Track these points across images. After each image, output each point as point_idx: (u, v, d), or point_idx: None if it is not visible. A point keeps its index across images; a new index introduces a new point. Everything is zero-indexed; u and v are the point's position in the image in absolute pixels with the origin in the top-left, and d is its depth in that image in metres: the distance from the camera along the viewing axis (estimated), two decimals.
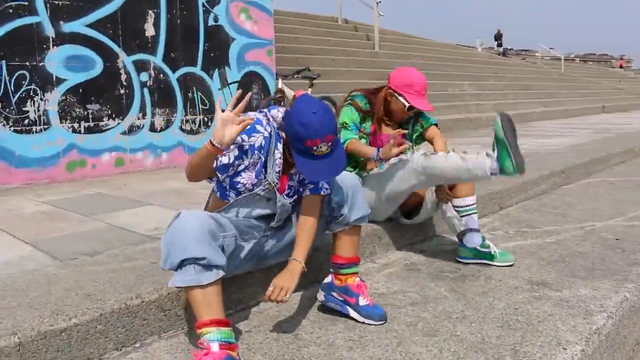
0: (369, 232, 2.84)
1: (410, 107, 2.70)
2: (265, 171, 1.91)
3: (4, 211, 3.40)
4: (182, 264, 1.63)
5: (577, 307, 2.21)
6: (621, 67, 38.15)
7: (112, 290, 1.86)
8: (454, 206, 2.73)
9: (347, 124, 2.72)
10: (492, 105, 11.38)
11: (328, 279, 2.16)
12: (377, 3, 11.25)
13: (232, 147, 1.83)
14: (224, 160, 1.83)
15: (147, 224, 2.90)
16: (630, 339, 2.37)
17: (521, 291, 2.38)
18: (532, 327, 2.02)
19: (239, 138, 1.81)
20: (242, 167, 1.88)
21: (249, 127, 1.83)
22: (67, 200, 3.72)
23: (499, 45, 27.87)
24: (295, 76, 6.50)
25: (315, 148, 1.77)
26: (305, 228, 1.97)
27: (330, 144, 1.79)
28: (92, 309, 1.72)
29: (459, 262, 2.75)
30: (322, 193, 2.00)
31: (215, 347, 1.59)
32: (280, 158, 1.91)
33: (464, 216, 2.72)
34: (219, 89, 5.65)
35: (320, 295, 2.16)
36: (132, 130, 5.00)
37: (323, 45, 10.28)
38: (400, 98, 2.70)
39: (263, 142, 1.88)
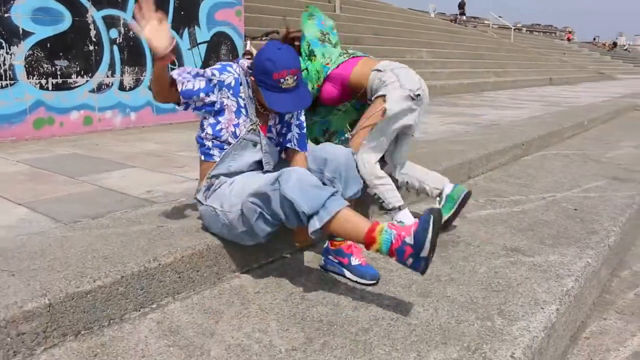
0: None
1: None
2: (246, 113, 2.07)
3: None
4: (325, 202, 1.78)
5: (549, 271, 2.44)
6: (569, 40, 39.43)
7: (127, 254, 1.92)
8: None
9: None
10: (447, 74, 11.65)
11: (325, 244, 2.29)
12: None
13: (199, 78, 1.99)
14: (189, 85, 1.97)
15: (139, 188, 2.92)
16: (589, 300, 2.64)
17: (498, 256, 2.59)
18: (512, 289, 2.24)
19: (208, 71, 2.01)
20: (217, 106, 2.03)
21: (219, 66, 2.04)
22: (43, 160, 3.66)
23: (462, 14, 28.24)
24: (264, 38, 6.45)
25: (282, 80, 1.93)
26: None
27: (295, 77, 1.96)
28: (113, 272, 1.78)
29: None
30: (304, 151, 2.21)
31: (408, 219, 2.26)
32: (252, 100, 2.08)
33: None
34: (188, 49, 5.57)
35: (320, 260, 2.30)
36: (101, 88, 4.89)
37: (285, 5, 10.18)
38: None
39: (233, 83, 2.04)
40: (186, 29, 5.51)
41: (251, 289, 2.12)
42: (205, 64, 5.76)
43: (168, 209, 2.47)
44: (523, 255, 2.62)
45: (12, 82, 4.31)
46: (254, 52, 6.10)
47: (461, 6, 28.12)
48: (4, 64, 4.25)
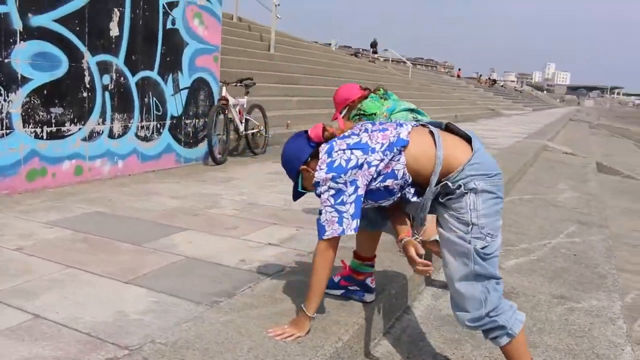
0: None
1: None
2: None
3: (20, 236, 3.10)
4: None
5: (601, 315, 2.85)
6: (458, 76, 42.81)
7: (312, 337, 1.98)
8: None
9: None
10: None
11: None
12: (276, 5, 11.47)
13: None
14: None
15: (224, 256, 2.88)
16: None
17: (556, 304, 2.96)
18: (589, 334, 2.60)
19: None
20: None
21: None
22: (74, 221, 3.46)
23: (374, 52, 29.67)
24: (238, 84, 6.54)
25: None
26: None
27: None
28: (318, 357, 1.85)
29: None
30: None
31: None
32: None
33: None
34: (172, 95, 5.51)
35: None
36: (92, 136, 4.70)
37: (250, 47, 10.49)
38: None
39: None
40: (170, 75, 5.46)
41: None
42: (185, 109, 5.72)
43: (291, 282, 2.51)
44: (572, 302, 3.02)
45: (7, 131, 4.03)
46: (229, 97, 6.17)
47: (373, 45, 29.67)
48: (1, 113, 3.97)
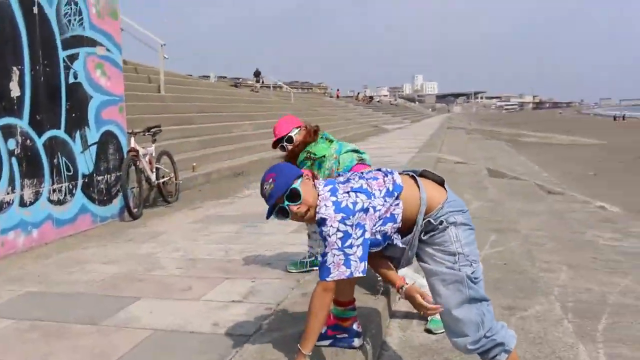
0: None
1: None
2: None
3: None
4: None
5: (549, 319, 3.14)
6: (337, 97, 44.23)
7: None
8: None
9: None
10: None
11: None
12: (162, 45, 11.22)
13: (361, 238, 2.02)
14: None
15: (194, 323, 2.78)
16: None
17: (508, 315, 3.20)
18: (545, 338, 2.87)
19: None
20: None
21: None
22: (8, 307, 3.15)
23: (258, 81, 29.66)
24: (146, 133, 6.32)
25: (264, 190, 2.16)
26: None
27: (270, 182, 2.11)
28: None
29: None
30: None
31: None
32: None
33: None
34: (81, 152, 5.21)
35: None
36: (1, 207, 4.31)
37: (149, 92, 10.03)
38: None
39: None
40: (78, 131, 5.16)
41: None
42: (96, 166, 5.42)
43: (275, 339, 2.48)
44: (521, 310, 3.29)
45: None
46: (139, 148, 5.94)
47: (257, 74, 29.72)
48: None
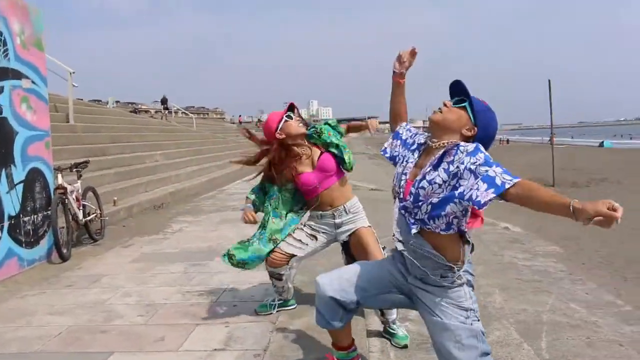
0: None
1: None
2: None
3: None
4: None
5: (510, 343, 3.39)
6: (240, 122, 43.90)
7: None
8: None
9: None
10: (188, 174, 12.12)
11: None
12: (71, 74, 10.60)
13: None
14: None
15: None
16: None
17: None
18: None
19: None
20: None
21: None
22: None
23: (165, 108, 28.68)
24: (74, 169, 5.96)
25: None
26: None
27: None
28: None
29: None
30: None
31: None
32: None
33: None
34: (7, 192, 4.81)
35: None
36: None
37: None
38: None
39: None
40: (4, 170, 4.76)
41: None
42: (22, 206, 5.02)
43: None
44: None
45: None
46: (67, 185, 5.61)
47: (164, 102, 28.69)
48: None
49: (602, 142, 49.88)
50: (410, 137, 2.28)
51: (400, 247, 2.17)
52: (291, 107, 3.48)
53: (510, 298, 4.78)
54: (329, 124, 3.45)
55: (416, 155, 2.16)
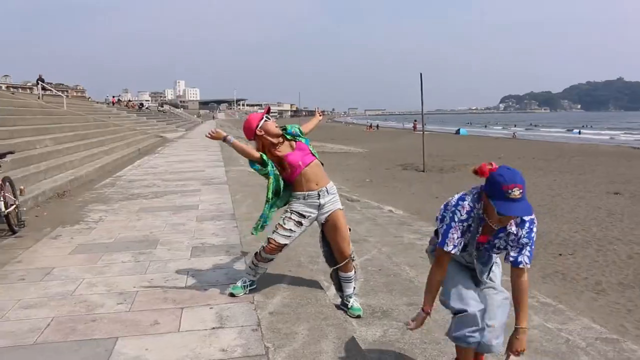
0: None
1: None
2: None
3: None
4: None
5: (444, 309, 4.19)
6: (113, 103, 41.28)
7: None
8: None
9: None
10: (80, 160, 11.68)
11: None
12: None
13: (457, 234, 2.69)
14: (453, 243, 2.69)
15: (202, 352, 3.07)
16: None
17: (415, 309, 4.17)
18: None
19: (458, 224, 2.67)
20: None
21: (464, 210, 2.67)
22: None
23: (44, 88, 26.07)
24: None
25: (509, 192, 2.41)
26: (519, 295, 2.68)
27: (521, 191, 2.44)
28: None
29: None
30: (520, 266, 2.66)
31: None
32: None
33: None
34: None
35: None
36: None
37: None
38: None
39: (466, 216, 2.66)
40: None
41: None
42: None
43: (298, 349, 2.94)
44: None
45: None
46: None
47: (41, 80, 26.06)
48: None
49: (458, 129, 54.82)
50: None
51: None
52: (268, 110, 4.00)
53: (420, 274, 5.62)
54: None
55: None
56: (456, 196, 2.71)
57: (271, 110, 4.04)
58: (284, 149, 3.93)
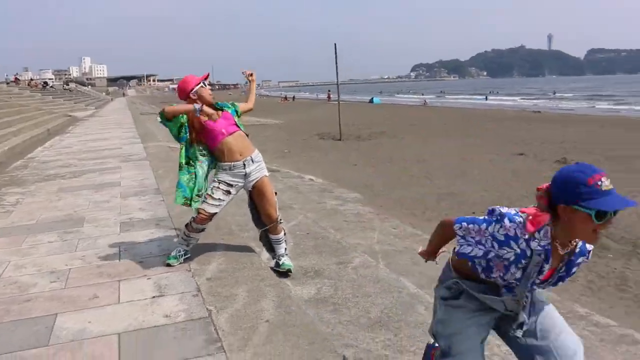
0: None
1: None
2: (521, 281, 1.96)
3: None
4: None
5: (370, 266, 4.51)
6: (16, 82, 38.25)
7: None
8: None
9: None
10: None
11: None
12: None
13: (479, 247, 1.94)
14: (466, 250, 1.98)
15: (146, 319, 3.13)
16: None
17: (342, 268, 4.45)
18: (378, 277, 4.22)
19: (489, 243, 1.91)
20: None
21: (503, 238, 1.88)
22: None
23: None
24: None
25: (599, 183, 1.74)
26: None
27: (609, 180, 1.77)
28: None
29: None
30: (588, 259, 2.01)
31: None
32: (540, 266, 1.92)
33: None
34: None
35: None
36: None
37: None
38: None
39: (512, 258, 1.91)
40: None
41: None
42: None
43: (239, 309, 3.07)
44: (350, 263, 4.57)
45: None
46: None
47: None
48: None
49: (372, 98, 56.10)
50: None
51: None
52: (207, 77, 4.14)
53: (346, 236, 5.94)
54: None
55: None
56: (504, 210, 1.94)
57: None
58: (208, 117, 4.02)
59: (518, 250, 1.88)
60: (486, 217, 1.96)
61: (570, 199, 1.79)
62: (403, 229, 6.21)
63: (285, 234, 4.37)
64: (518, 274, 1.93)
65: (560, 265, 1.97)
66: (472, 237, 1.96)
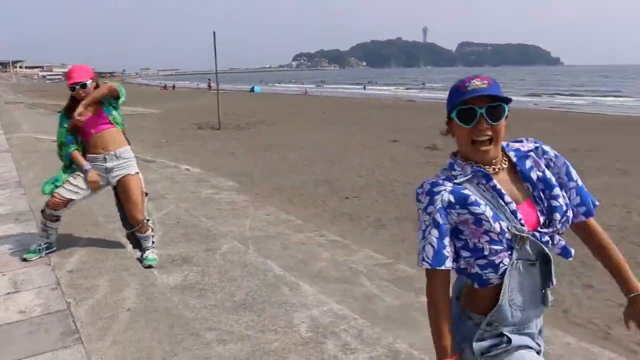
0: None
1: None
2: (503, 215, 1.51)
3: None
4: None
5: (239, 251, 4.66)
6: None
7: None
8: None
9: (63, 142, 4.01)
10: None
11: None
12: None
13: (432, 236, 1.51)
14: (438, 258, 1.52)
15: None
16: None
17: (211, 254, 4.56)
18: (246, 262, 4.39)
19: (426, 216, 1.52)
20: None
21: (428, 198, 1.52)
22: None
23: None
24: None
25: (468, 84, 1.51)
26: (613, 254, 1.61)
27: (486, 82, 1.51)
28: None
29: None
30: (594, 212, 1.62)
31: None
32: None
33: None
34: None
35: None
36: None
37: None
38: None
39: (452, 198, 1.51)
40: None
41: None
42: None
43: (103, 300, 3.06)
44: (219, 250, 4.69)
45: None
46: None
47: None
48: None
49: (253, 87, 55.91)
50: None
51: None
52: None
53: (218, 224, 6.02)
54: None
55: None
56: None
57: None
58: (87, 111, 3.96)
59: (455, 202, 1.50)
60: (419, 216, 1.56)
61: (449, 110, 1.57)
62: (276, 216, 6.39)
63: (153, 230, 4.39)
64: (496, 227, 1.47)
65: (525, 189, 1.56)
66: (436, 241, 1.51)
